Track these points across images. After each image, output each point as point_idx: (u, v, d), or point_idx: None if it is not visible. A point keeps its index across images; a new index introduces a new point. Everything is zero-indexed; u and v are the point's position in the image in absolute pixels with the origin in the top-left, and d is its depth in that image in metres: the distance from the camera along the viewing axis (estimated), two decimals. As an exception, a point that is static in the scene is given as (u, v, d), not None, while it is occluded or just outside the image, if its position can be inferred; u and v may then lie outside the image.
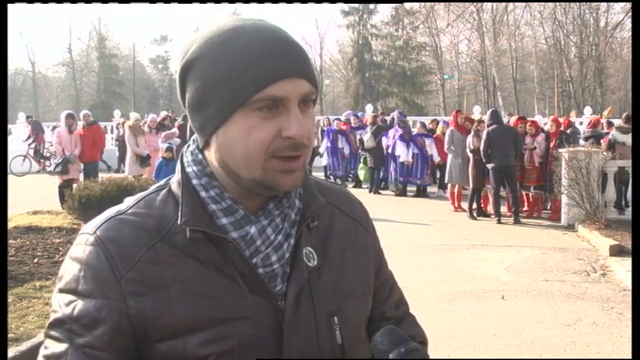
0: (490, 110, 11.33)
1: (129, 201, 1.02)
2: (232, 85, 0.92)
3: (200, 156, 1.00)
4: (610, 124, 11.95)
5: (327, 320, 1.00)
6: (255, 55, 0.91)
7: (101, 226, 0.97)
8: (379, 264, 1.17)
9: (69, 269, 0.96)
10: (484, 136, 10.19)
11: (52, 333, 0.95)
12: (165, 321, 0.92)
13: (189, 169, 1.01)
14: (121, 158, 17.58)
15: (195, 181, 0.99)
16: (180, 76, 0.99)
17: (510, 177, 10.17)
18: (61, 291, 0.96)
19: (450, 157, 11.75)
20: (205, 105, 0.95)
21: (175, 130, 12.82)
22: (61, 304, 0.94)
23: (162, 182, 1.05)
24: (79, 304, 0.93)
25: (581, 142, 10.86)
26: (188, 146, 1.04)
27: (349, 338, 1.01)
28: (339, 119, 16.37)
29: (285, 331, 0.96)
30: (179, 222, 0.95)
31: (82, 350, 0.92)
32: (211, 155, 0.98)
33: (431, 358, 1.14)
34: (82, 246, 0.96)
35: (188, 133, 12.45)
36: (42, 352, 0.95)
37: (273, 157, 0.93)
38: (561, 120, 13.01)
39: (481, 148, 10.24)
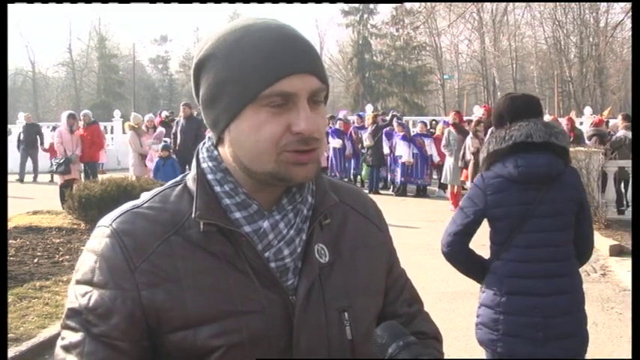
0: None
1: (145, 196, 1.05)
2: (242, 80, 0.93)
3: (215, 152, 1.03)
4: (607, 125, 11.95)
5: (338, 316, 1.01)
6: (265, 52, 0.93)
7: (117, 219, 1.00)
8: (392, 263, 1.19)
9: (85, 261, 0.99)
10: (488, 135, 10.17)
11: (69, 323, 0.97)
12: (176, 312, 0.94)
13: (204, 165, 1.03)
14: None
15: (210, 176, 1.01)
16: (194, 74, 1.00)
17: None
18: (78, 282, 0.98)
19: (446, 157, 11.80)
20: (217, 101, 0.97)
21: (163, 129, 12.78)
22: (77, 295, 0.97)
23: (178, 178, 1.08)
24: (95, 295, 0.95)
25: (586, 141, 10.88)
26: (204, 143, 1.06)
27: (359, 334, 1.02)
28: (340, 119, 16.23)
29: (296, 325, 0.97)
30: (193, 215, 0.97)
31: (98, 339, 0.94)
32: (225, 150, 1.01)
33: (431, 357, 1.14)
34: (98, 238, 0.99)
35: (177, 130, 12.41)
36: (59, 342, 0.98)
37: (285, 151, 0.94)
38: (563, 120, 13.01)
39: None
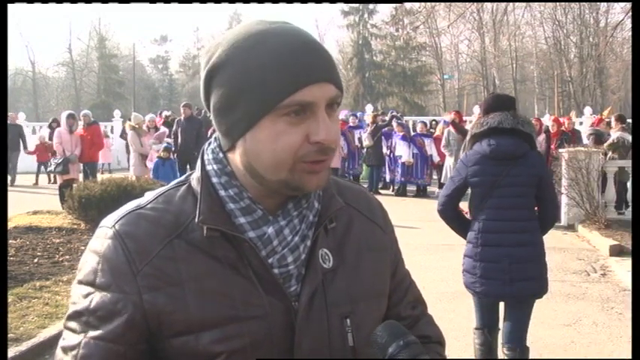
0: None
1: (149, 195, 1.03)
2: (261, 90, 0.91)
3: (221, 155, 1.00)
4: (608, 124, 11.94)
5: (340, 322, 1.01)
6: (284, 60, 0.91)
7: (120, 220, 0.98)
8: (396, 265, 1.17)
9: (88, 261, 0.98)
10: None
11: (69, 324, 0.97)
12: (178, 317, 0.93)
13: (209, 167, 1.01)
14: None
15: (214, 179, 1.00)
16: (205, 80, 0.97)
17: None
18: (80, 282, 0.98)
19: (446, 157, 11.83)
20: (232, 110, 0.94)
21: (165, 130, 12.74)
22: (79, 296, 0.97)
23: (182, 178, 1.06)
24: (96, 297, 0.95)
25: (585, 140, 10.90)
26: (209, 144, 1.04)
27: (361, 340, 1.01)
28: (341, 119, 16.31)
29: (297, 331, 0.96)
30: (197, 220, 0.95)
31: (95, 342, 0.94)
32: (236, 157, 0.98)
33: (431, 357, 1.14)
34: (100, 239, 0.98)
35: (179, 131, 12.41)
36: (60, 342, 0.98)
37: (303, 162, 0.93)
38: (562, 120, 13.03)
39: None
